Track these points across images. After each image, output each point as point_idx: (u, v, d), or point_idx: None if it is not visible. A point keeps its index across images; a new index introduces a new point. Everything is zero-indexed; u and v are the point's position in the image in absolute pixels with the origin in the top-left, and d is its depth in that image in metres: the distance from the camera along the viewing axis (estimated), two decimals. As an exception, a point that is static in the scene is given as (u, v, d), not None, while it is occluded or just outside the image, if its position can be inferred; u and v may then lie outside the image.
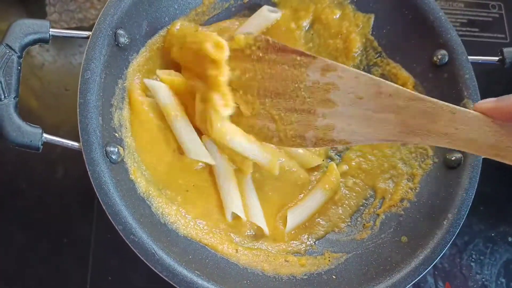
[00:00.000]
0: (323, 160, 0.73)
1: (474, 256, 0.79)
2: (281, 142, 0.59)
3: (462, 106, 0.65)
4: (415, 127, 0.51)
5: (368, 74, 0.52)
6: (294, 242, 0.68)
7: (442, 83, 0.68)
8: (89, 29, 0.59)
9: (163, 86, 0.64)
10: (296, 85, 0.55)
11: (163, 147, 0.65)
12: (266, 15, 0.72)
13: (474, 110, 0.50)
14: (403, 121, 0.51)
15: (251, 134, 0.60)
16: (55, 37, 0.59)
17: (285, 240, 0.68)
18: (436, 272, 0.77)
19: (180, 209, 0.64)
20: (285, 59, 0.55)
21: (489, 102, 0.49)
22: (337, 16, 0.75)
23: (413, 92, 0.50)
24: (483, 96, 0.66)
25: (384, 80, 0.51)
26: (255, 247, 0.66)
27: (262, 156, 0.63)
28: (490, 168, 0.67)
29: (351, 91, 0.52)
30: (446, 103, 0.50)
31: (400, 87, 0.51)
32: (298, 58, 0.54)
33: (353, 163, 0.73)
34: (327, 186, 0.70)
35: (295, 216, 0.68)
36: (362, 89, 0.52)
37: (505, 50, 0.68)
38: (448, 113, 0.50)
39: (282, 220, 0.68)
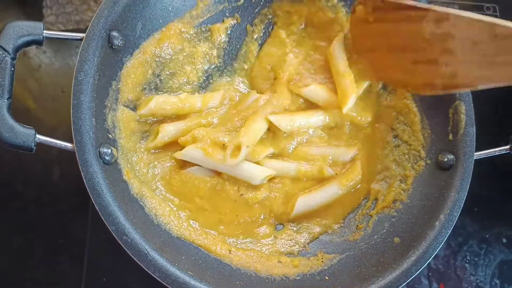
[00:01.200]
0: None
1: (468, 257, 0.79)
2: (414, 90, 0.65)
3: (453, 108, 0.66)
4: None
5: (482, 17, 0.51)
6: (288, 242, 0.68)
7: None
8: (85, 31, 0.60)
9: (199, 153, 0.66)
10: (416, 38, 0.57)
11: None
12: None
13: None
14: None
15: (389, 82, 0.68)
16: (50, 39, 0.59)
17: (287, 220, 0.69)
18: (430, 273, 0.77)
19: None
20: (401, 15, 0.57)
21: None
22: (329, 19, 0.75)
23: None
24: (475, 99, 0.66)
25: (498, 21, 0.50)
26: (249, 247, 0.66)
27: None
28: (484, 170, 0.68)
29: (466, 37, 0.52)
30: None
31: None
32: (412, 13, 0.56)
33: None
34: (346, 182, 0.70)
35: (304, 203, 0.68)
36: (477, 34, 0.51)
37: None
38: None
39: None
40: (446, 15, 0.53)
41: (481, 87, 0.54)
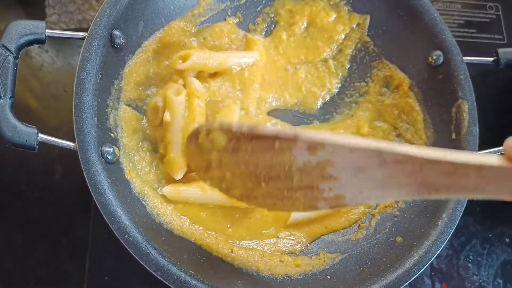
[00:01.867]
0: None
1: (471, 257, 0.78)
2: (298, 211, 0.57)
3: (456, 107, 0.66)
4: (436, 185, 0.44)
5: (366, 142, 0.44)
6: (290, 241, 0.68)
7: (438, 83, 0.69)
8: (87, 30, 0.60)
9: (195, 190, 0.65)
10: (287, 168, 0.47)
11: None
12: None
13: (504, 152, 0.41)
14: (420, 183, 0.44)
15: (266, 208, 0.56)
16: (53, 38, 0.59)
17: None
18: (433, 273, 0.77)
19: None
20: (263, 146, 0.46)
21: None
22: (332, 19, 0.75)
23: (426, 153, 0.43)
24: (478, 98, 0.66)
25: (385, 146, 0.43)
26: (250, 247, 0.66)
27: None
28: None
29: (350, 165, 0.45)
30: (467, 158, 0.42)
31: (409, 149, 0.43)
32: (277, 143, 0.45)
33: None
34: None
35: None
36: (362, 161, 0.44)
37: (500, 50, 0.68)
38: (473, 171, 0.42)
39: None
40: (321, 143, 0.44)
41: (373, 202, 0.51)
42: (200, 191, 0.64)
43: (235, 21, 0.75)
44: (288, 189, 0.49)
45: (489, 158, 0.42)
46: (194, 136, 0.51)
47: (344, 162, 0.45)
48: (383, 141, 0.47)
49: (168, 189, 0.64)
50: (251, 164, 0.48)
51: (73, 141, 0.56)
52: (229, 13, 0.75)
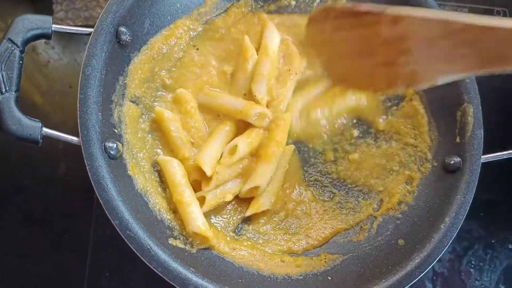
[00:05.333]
0: None
1: (473, 262, 0.78)
2: (377, 91, 0.66)
3: (461, 110, 0.66)
4: (497, 54, 0.47)
5: (434, 15, 0.51)
6: (291, 242, 0.68)
7: (443, 86, 0.67)
8: (94, 27, 0.60)
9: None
10: (373, 43, 0.56)
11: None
12: None
13: None
14: (482, 52, 0.49)
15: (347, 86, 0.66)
16: (60, 34, 0.59)
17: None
18: (434, 277, 0.76)
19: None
20: (357, 22, 0.57)
21: None
22: None
23: (485, 21, 0.46)
24: (484, 100, 0.66)
25: (451, 17, 0.49)
26: (251, 245, 0.66)
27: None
28: (491, 174, 0.67)
29: (423, 35, 0.52)
30: None
31: (472, 19, 0.48)
32: (368, 18, 0.55)
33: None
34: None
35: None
36: (433, 30, 0.51)
37: (507, 54, 0.67)
38: None
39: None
40: (401, 17, 0.53)
41: (441, 81, 0.54)
42: None
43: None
44: (372, 65, 0.57)
45: None
46: (314, 18, 0.62)
47: (419, 32, 0.52)
48: (452, 12, 0.54)
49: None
50: (348, 41, 0.58)
51: (77, 136, 0.57)
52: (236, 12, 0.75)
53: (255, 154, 0.69)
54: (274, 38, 0.72)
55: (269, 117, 0.69)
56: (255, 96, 0.69)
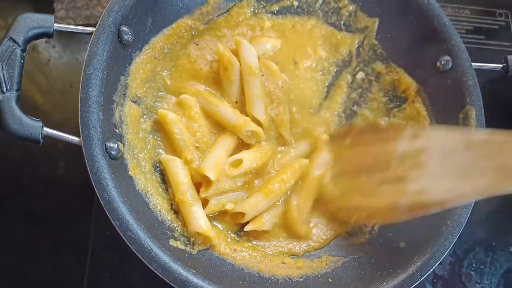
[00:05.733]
0: None
1: (474, 265, 0.78)
2: (370, 217, 0.61)
3: (464, 113, 0.65)
4: None
5: (458, 129, 0.51)
6: (292, 243, 0.68)
7: (445, 89, 0.68)
8: (95, 26, 0.60)
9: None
10: (388, 157, 0.54)
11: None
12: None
13: None
14: (500, 167, 0.46)
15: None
16: (60, 33, 0.59)
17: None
18: (435, 280, 0.76)
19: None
20: (377, 137, 0.56)
21: None
22: None
23: (507, 135, 0.46)
24: (486, 104, 0.65)
25: (472, 129, 0.50)
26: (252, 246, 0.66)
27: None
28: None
29: (440, 150, 0.50)
30: None
31: (495, 134, 0.47)
32: (390, 133, 0.55)
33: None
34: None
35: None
36: (451, 144, 0.49)
37: (509, 57, 0.67)
38: None
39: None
40: (422, 131, 0.53)
41: (451, 204, 0.51)
42: None
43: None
44: (380, 181, 0.55)
45: None
46: (338, 136, 0.62)
47: (436, 147, 0.50)
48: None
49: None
50: (362, 154, 0.58)
51: (78, 136, 0.56)
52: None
53: (259, 173, 0.69)
54: (252, 55, 0.69)
55: (261, 136, 0.68)
56: (257, 118, 0.68)
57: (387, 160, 0.54)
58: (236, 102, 0.70)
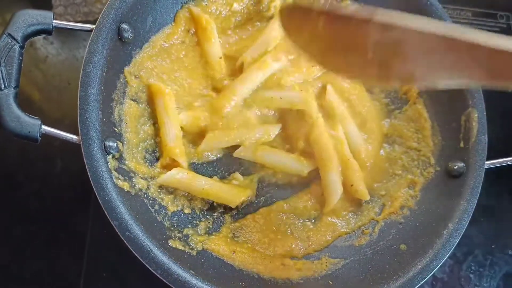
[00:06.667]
0: None
1: (473, 267, 0.78)
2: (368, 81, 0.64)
3: (466, 116, 0.65)
4: (504, 75, 0.44)
5: (435, 27, 0.46)
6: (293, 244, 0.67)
7: (447, 91, 0.68)
8: (94, 23, 0.59)
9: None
10: (363, 41, 0.51)
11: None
12: None
13: None
14: (489, 70, 0.45)
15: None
16: (59, 30, 0.58)
17: None
18: (434, 282, 0.76)
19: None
20: (347, 21, 0.52)
21: None
22: None
23: (495, 42, 0.43)
24: (488, 105, 0.65)
25: (455, 30, 0.45)
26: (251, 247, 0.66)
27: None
28: (492, 180, 0.67)
29: (420, 44, 0.47)
30: None
31: (478, 37, 0.44)
32: (353, 21, 0.51)
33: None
34: None
35: None
36: (432, 43, 0.47)
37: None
38: None
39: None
40: (393, 25, 0.47)
41: (441, 86, 0.50)
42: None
43: None
44: (365, 60, 0.52)
45: None
46: (289, 13, 0.56)
47: (414, 41, 0.47)
48: (453, 25, 0.50)
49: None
50: (335, 37, 0.54)
51: (75, 134, 0.56)
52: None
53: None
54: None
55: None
56: None
57: (362, 44, 0.51)
58: (220, 58, 0.70)
